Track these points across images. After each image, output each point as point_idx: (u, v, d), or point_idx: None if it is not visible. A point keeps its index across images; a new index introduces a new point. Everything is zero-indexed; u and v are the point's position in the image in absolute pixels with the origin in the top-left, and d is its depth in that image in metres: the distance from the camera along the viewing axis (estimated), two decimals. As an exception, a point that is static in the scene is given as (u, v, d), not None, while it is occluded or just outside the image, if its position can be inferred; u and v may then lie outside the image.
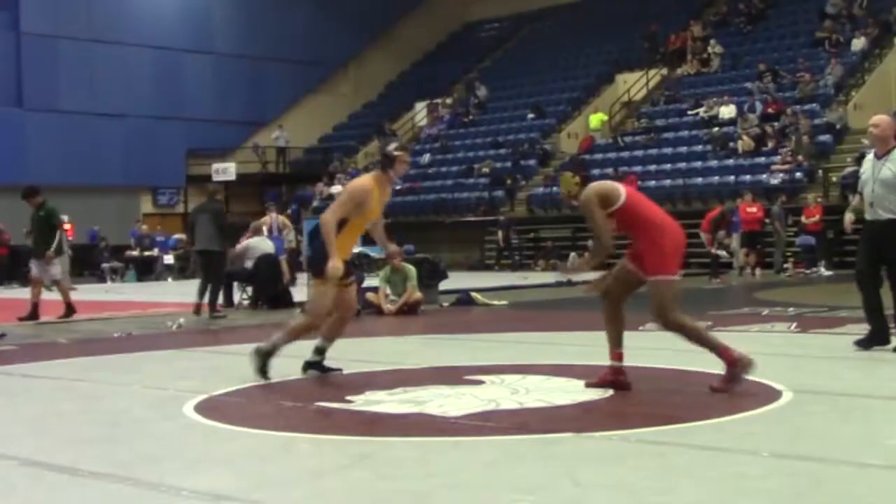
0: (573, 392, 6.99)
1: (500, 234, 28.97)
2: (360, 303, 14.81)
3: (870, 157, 9.34)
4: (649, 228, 6.74)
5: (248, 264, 16.38)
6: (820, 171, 25.60)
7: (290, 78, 38.77)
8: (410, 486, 4.71)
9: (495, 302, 16.45)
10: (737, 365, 6.67)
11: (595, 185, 6.95)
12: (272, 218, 19.50)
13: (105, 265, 29.51)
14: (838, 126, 26.89)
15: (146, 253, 30.05)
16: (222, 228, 15.20)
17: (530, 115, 34.86)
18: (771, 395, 6.63)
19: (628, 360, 7.05)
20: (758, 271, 22.38)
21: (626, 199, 6.78)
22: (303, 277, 19.06)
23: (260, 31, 37.97)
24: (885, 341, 8.97)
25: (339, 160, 37.46)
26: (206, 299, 14.83)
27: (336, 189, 34.60)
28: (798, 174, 25.57)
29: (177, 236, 31.38)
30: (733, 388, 6.63)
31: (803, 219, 23.10)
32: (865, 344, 9.07)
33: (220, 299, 15.49)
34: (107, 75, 34.32)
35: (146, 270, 29.51)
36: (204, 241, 15.12)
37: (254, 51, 37.77)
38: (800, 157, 25.90)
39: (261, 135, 38.27)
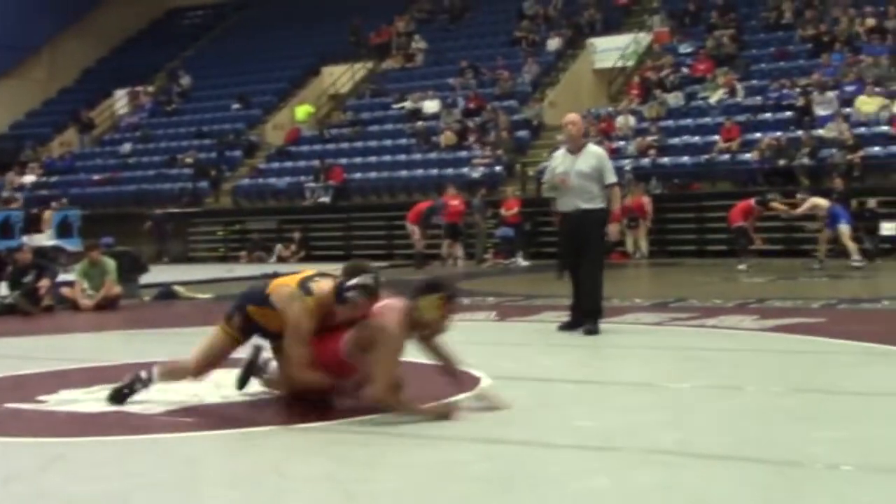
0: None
1: (149, 226, 27.83)
2: (54, 298, 14.22)
3: (561, 152, 9.80)
4: None
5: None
6: (518, 166, 26.60)
7: (-23, 60, 36.52)
8: (107, 487, 4.50)
9: (199, 295, 16.13)
10: None
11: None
12: None
13: None
14: (535, 122, 28.05)
15: None
16: None
17: (235, 106, 34.38)
18: (471, 382, 6.79)
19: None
20: (460, 262, 23.03)
21: None
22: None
23: (-59, 9, 35.55)
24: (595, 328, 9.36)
25: (32, 148, 35.60)
26: None
27: (29, 178, 32.87)
28: (497, 168, 26.48)
29: None
30: None
31: (502, 211, 23.93)
32: (570, 327, 9.50)
33: None
34: None
35: None
36: None
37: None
38: (499, 152, 26.83)
39: (-55, 120, 35.90)
